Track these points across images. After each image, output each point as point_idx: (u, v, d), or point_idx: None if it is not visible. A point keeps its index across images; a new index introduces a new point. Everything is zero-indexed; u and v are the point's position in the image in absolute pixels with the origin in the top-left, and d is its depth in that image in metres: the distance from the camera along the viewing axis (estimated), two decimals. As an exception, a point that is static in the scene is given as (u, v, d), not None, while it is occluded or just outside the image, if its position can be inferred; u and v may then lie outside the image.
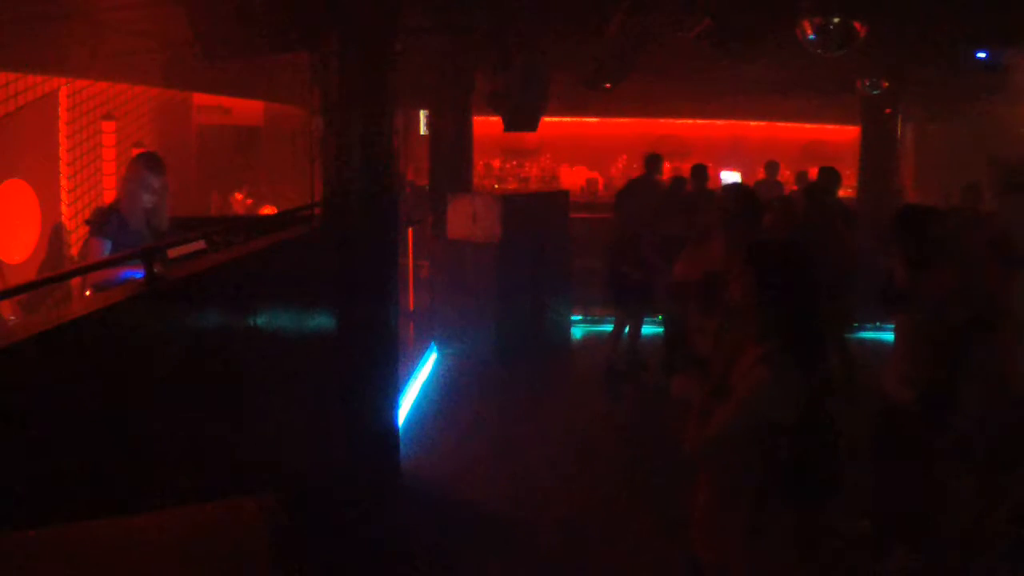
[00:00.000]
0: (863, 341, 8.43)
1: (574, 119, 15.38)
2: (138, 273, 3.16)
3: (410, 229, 9.82)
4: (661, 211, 7.26)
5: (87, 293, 4.33)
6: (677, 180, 8.68)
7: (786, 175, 12.93)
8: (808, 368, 2.67)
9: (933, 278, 4.15)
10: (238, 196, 10.69)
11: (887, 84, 10.46)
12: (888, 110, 11.66)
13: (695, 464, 2.96)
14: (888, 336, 4.75)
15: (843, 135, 14.76)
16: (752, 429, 2.62)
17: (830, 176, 7.73)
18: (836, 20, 5.74)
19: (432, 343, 8.51)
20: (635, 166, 16.08)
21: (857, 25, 5.78)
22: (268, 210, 9.97)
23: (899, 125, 12.25)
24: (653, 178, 8.83)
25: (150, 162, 4.62)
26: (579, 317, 9.88)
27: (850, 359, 6.67)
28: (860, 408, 4.65)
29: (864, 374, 4.69)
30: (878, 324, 8.78)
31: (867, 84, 10.49)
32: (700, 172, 8.81)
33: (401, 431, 5.65)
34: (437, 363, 8.29)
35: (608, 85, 9.80)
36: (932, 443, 4.23)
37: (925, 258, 4.20)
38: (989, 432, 4.79)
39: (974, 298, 4.31)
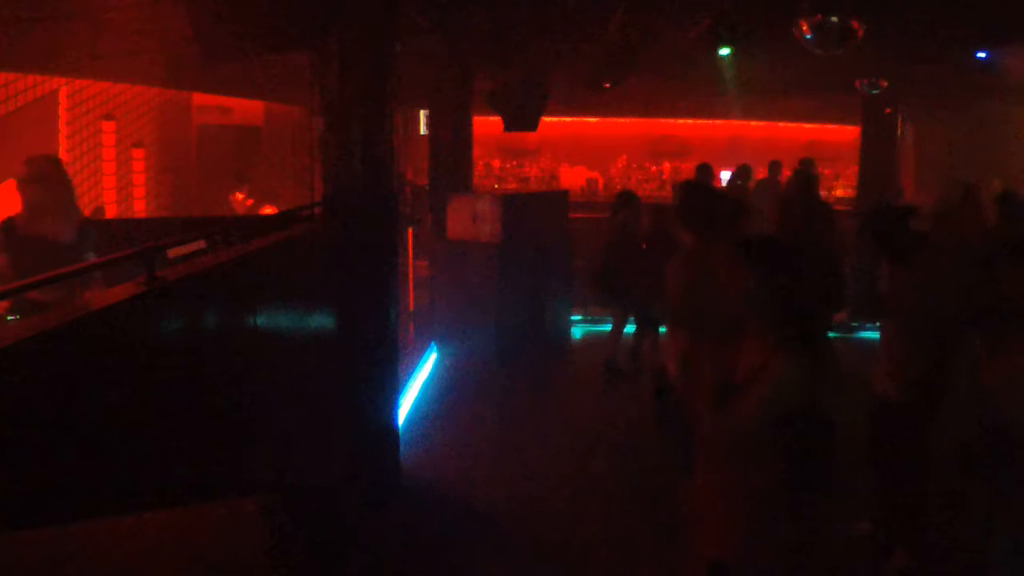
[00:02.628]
0: (862, 341, 8.43)
1: (574, 119, 15.39)
2: None
3: (410, 229, 9.82)
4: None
5: None
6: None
7: (787, 175, 12.94)
8: (811, 359, 2.72)
9: (909, 276, 4.19)
10: (238, 196, 10.68)
11: (887, 84, 10.46)
12: (888, 110, 11.66)
13: (696, 461, 2.97)
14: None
15: (843, 135, 14.76)
16: (771, 419, 2.66)
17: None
18: (834, 19, 5.74)
19: (432, 343, 8.51)
20: (635, 166, 16.12)
21: (855, 24, 5.78)
22: (268, 210, 9.97)
23: (899, 125, 12.26)
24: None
25: (25, 169, 4.46)
26: (579, 317, 9.87)
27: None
28: (858, 408, 4.66)
29: (861, 374, 4.71)
30: (877, 324, 8.78)
31: (867, 84, 10.49)
32: (706, 172, 8.83)
33: (401, 431, 5.64)
34: (437, 363, 8.29)
35: (608, 85, 9.81)
36: (921, 440, 4.26)
37: (900, 258, 4.25)
38: (989, 431, 4.79)
39: (964, 295, 4.34)
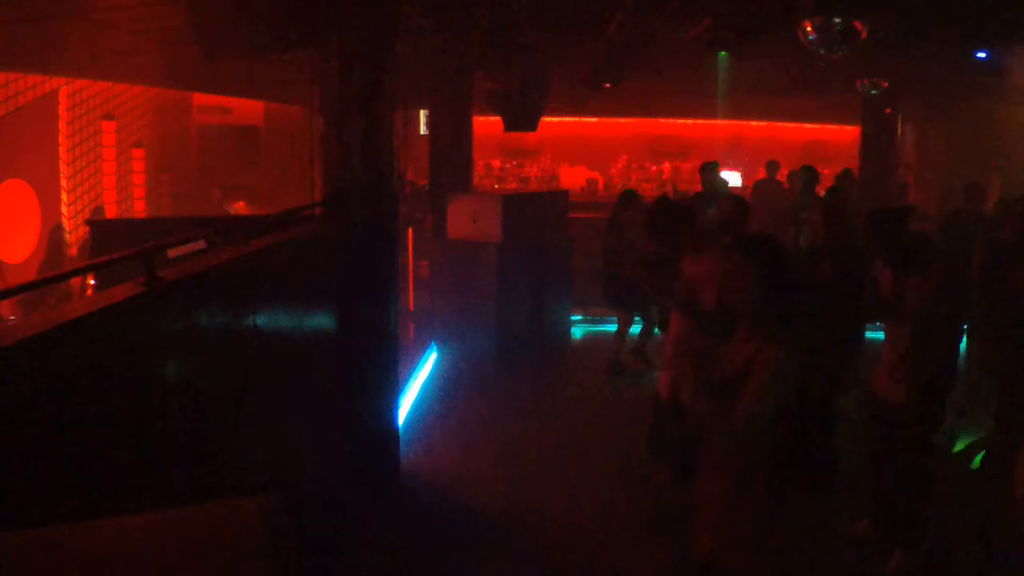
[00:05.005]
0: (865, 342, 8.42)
1: (574, 119, 15.38)
2: None
3: (410, 229, 9.82)
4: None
5: None
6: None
7: (786, 175, 12.94)
8: (803, 350, 2.74)
9: (913, 280, 4.16)
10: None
11: (887, 84, 10.46)
12: (888, 110, 11.66)
13: (696, 460, 2.98)
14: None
15: (843, 135, 14.76)
16: (772, 408, 2.67)
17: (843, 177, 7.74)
18: (837, 20, 5.74)
19: (432, 343, 8.51)
20: (635, 166, 16.11)
21: (858, 25, 5.78)
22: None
23: (899, 125, 12.26)
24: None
25: None
26: (579, 317, 9.87)
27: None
28: (860, 408, 4.67)
29: (863, 375, 4.72)
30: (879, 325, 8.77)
31: (867, 84, 10.49)
32: (710, 169, 8.85)
33: (401, 431, 5.65)
34: (437, 363, 8.29)
35: (608, 85, 9.82)
36: (923, 441, 4.25)
37: (903, 260, 4.22)
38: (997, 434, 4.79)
39: (967, 298, 4.34)
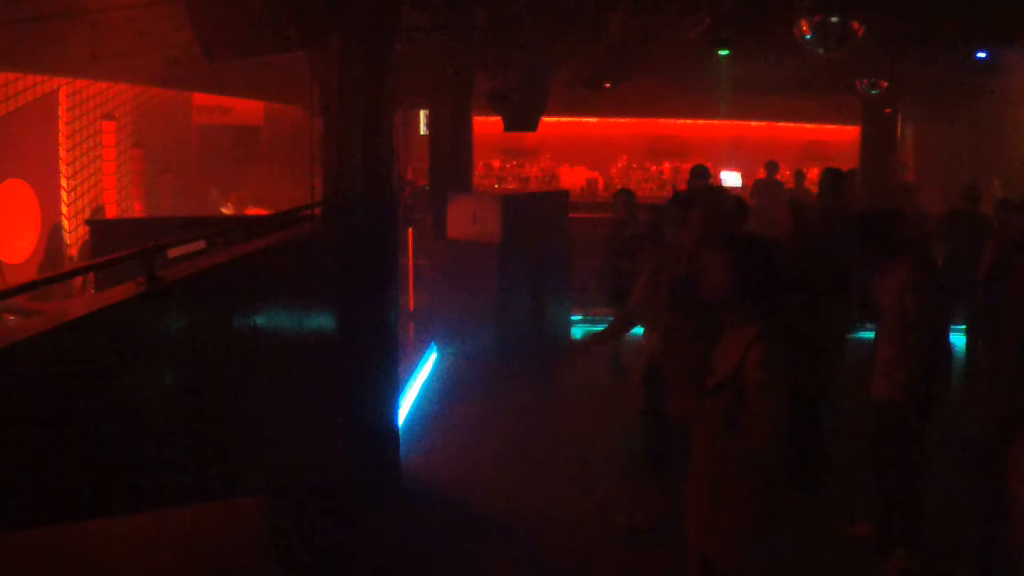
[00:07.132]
0: (862, 341, 8.41)
1: (574, 119, 15.37)
2: None
3: (410, 229, 9.82)
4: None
5: None
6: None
7: (786, 175, 12.95)
8: (791, 349, 2.74)
9: (892, 278, 4.18)
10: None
11: (887, 84, 10.47)
12: (888, 110, 11.67)
13: (692, 460, 2.98)
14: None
15: (843, 135, 14.75)
16: (784, 406, 2.66)
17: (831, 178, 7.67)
18: (834, 19, 5.75)
19: (432, 343, 8.51)
20: (635, 166, 16.11)
21: (855, 24, 5.79)
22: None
23: (899, 125, 12.26)
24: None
25: None
26: (579, 317, 9.87)
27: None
28: (858, 408, 4.67)
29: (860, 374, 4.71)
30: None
31: (867, 84, 10.50)
32: (701, 172, 8.83)
33: (401, 431, 5.65)
34: (437, 363, 8.29)
35: (608, 85, 9.82)
36: (916, 440, 4.26)
37: (887, 261, 4.24)
38: (987, 430, 4.78)
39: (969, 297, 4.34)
